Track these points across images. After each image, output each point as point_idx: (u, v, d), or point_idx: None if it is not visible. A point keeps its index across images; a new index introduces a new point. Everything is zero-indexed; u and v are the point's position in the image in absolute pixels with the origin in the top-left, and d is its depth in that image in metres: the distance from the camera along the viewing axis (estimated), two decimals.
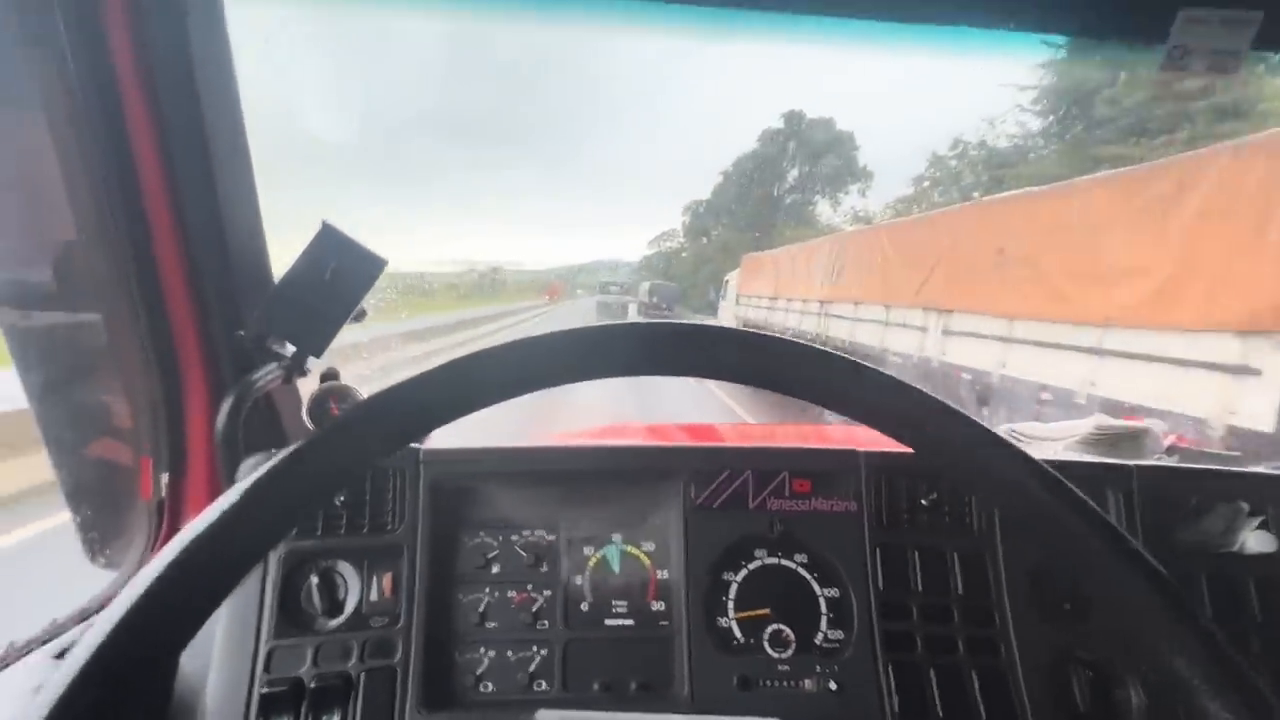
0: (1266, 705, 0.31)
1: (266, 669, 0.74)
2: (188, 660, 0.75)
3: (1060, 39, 0.96)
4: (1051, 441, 1.23)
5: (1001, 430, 1.30)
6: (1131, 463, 0.89)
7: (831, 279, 9.93)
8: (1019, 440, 1.23)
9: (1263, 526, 0.86)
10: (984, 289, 6.04)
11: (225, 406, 0.83)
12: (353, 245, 0.86)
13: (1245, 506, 0.87)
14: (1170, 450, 1.19)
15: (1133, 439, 1.18)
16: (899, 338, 7.66)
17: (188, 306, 0.85)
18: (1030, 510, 0.37)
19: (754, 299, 14.84)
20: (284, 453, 0.34)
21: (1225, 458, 1.19)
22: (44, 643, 0.72)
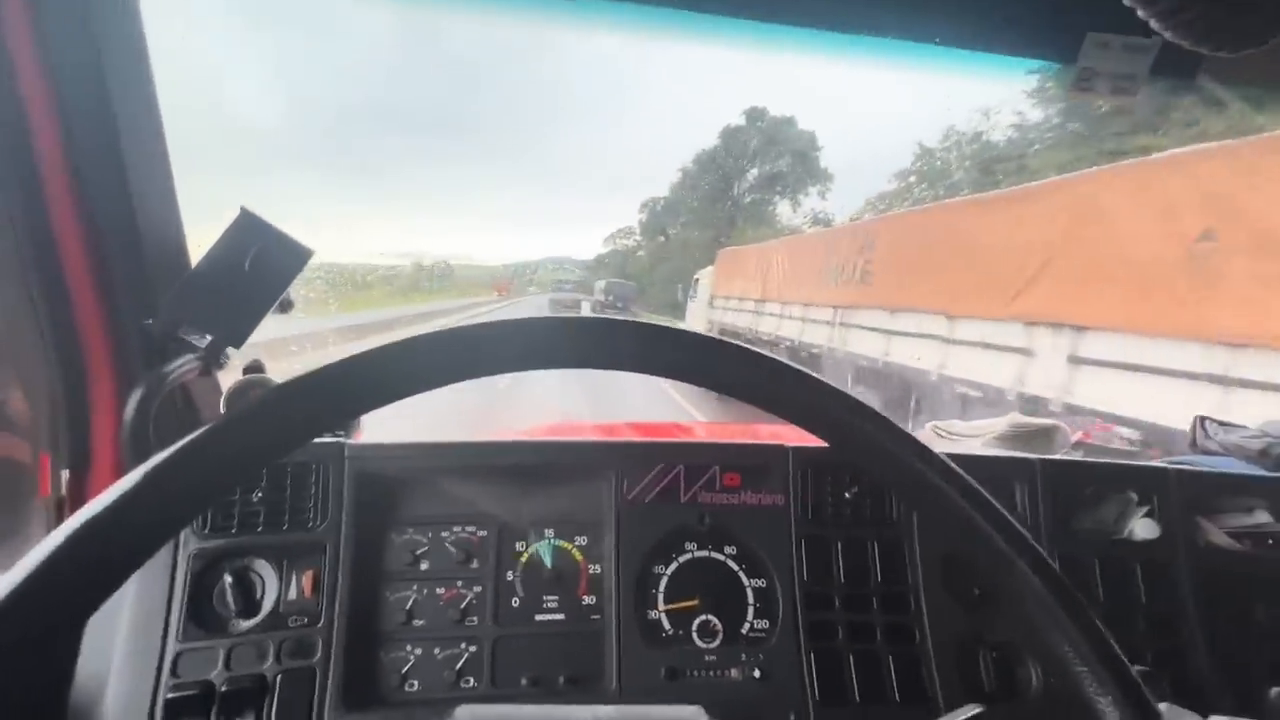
0: (1142, 700, 0.34)
1: (174, 673, 0.70)
2: (85, 666, 0.70)
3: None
4: (972, 438, 1.30)
5: (927, 428, 1.37)
6: (1036, 456, 0.94)
7: (853, 279, 7.65)
8: (941, 437, 1.29)
9: (1149, 515, 0.93)
10: (1164, 297, 3.74)
11: (133, 399, 0.79)
12: (275, 233, 0.83)
13: (1134, 496, 0.94)
14: (1077, 445, 1.28)
15: (1045, 435, 1.26)
16: (1006, 367, 5.07)
17: (93, 292, 0.80)
18: (934, 504, 0.38)
19: (732, 301, 12.80)
20: (192, 435, 0.32)
21: (1122, 452, 1.28)
22: None
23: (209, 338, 0.81)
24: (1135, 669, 0.35)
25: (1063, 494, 0.93)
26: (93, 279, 0.80)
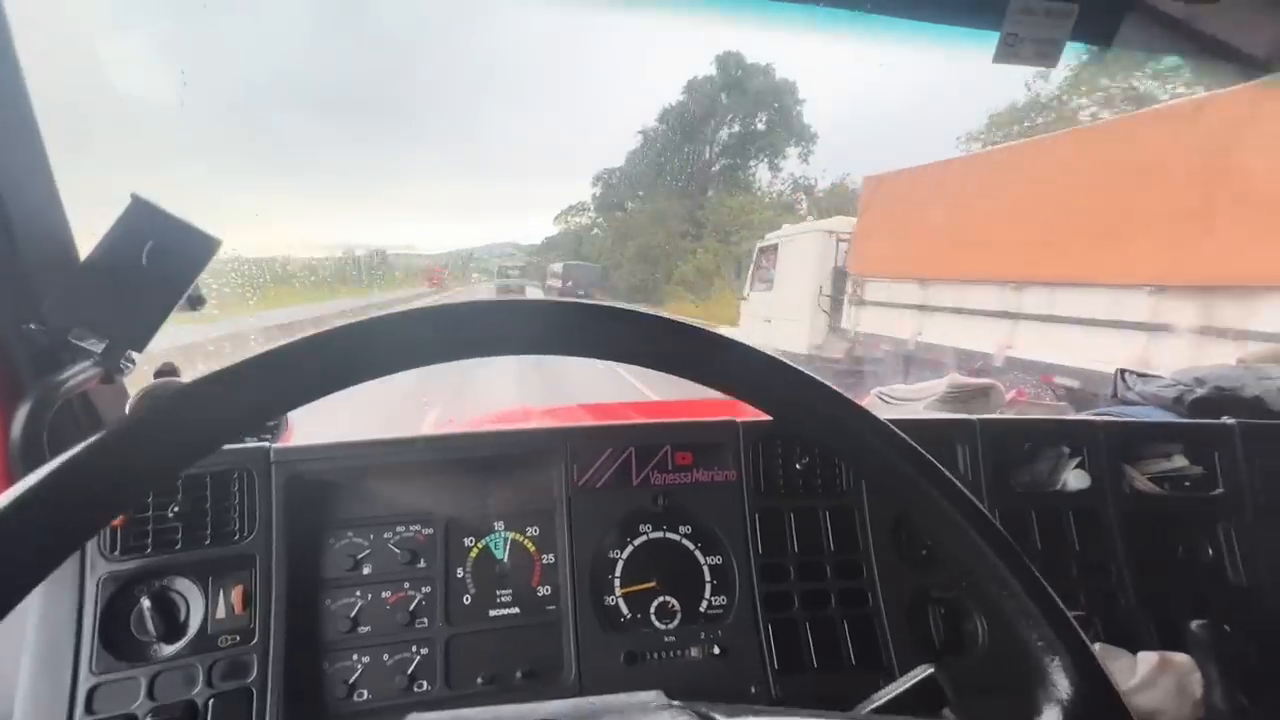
0: (1079, 644, 0.35)
1: (89, 709, 0.65)
2: None
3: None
4: (914, 401, 1.33)
5: (871, 394, 1.39)
6: (975, 417, 0.97)
7: None
8: (885, 402, 1.32)
9: (1080, 466, 0.98)
10: None
11: (21, 412, 0.71)
12: (175, 223, 0.76)
13: (1066, 450, 0.99)
14: (1011, 404, 1.34)
15: (982, 395, 1.30)
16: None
17: None
18: (880, 467, 0.38)
19: (900, 288, 6.26)
20: (87, 441, 0.28)
21: (1054, 408, 1.34)
22: None
23: (105, 342, 0.74)
24: (1071, 614, 0.36)
25: (1001, 451, 0.96)
26: None
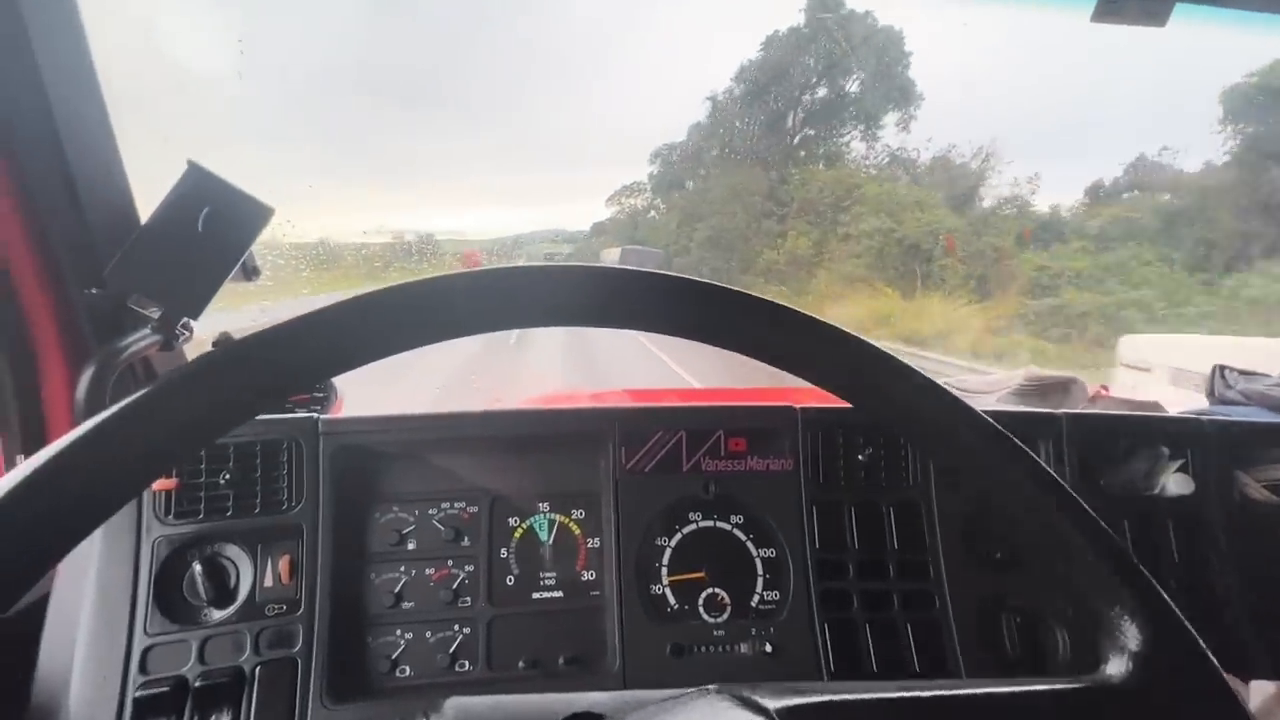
0: (1143, 578, 0.32)
1: (142, 669, 0.65)
2: (46, 663, 0.65)
3: None
4: (985, 394, 1.24)
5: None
6: (1060, 411, 0.89)
7: None
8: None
9: (1182, 470, 0.88)
10: None
11: (85, 376, 0.72)
12: (230, 190, 0.75)
13: (1166, 451, 0.89)
14: (1094, 399, 1.23)
15: (1061, 389, 1.20)
16: None
17: (31, 260, 0.73)
18: (967, 459, 0.36)
19: None
20: (147, 387, 0.28)
21: (1145, 404, 1.23)
22: None
23: (161, 309, 0.74)
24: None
25: (1090, 450, 0.88)
26: (30, 245, 0.73)
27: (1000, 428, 0.35)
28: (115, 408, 0.28)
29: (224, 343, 0.87)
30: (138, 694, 0.64)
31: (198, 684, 0.65)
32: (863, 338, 0.35)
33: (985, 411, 0.36)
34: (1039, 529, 0.35)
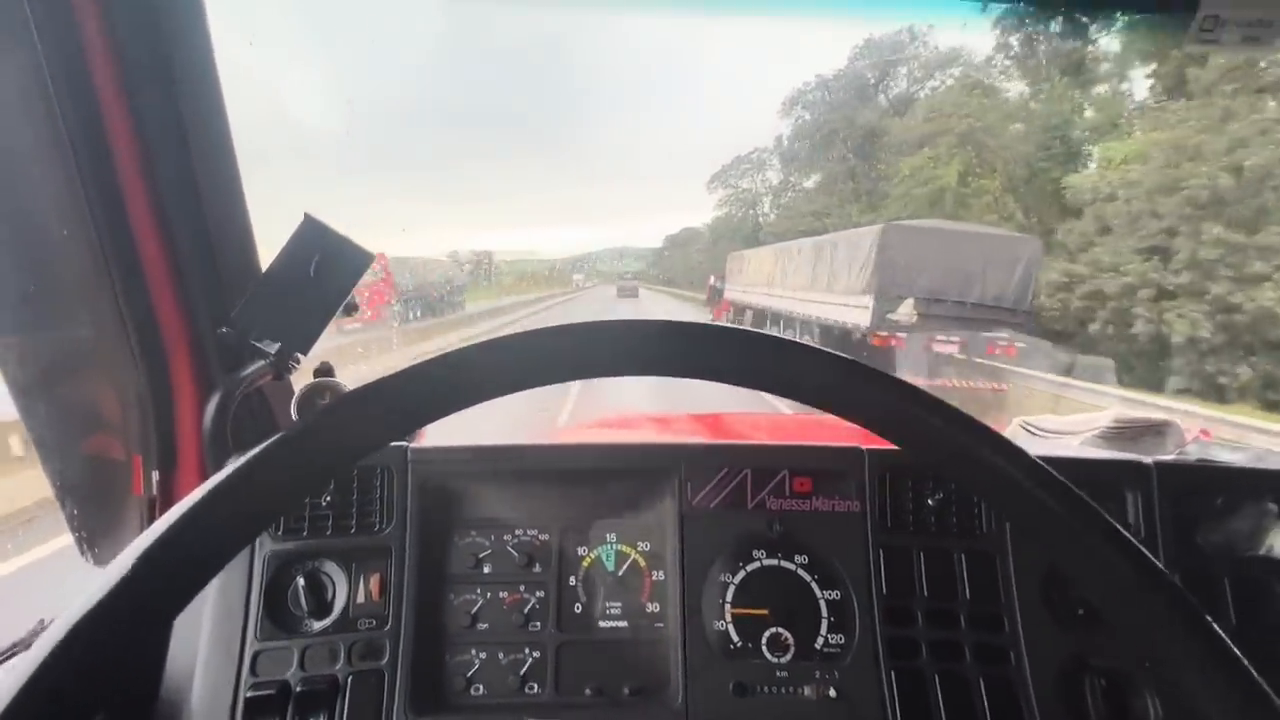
0: None
1: (253, 671, 0.73)
2: (174, 661, 0.74)
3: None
4: (1068, 436, 1.18)
5: (1015, 423, 1.26)
6: (1150, 460, 0.84)
7: None
8: (1032, 434, 1.19)
9: None
10: None
11: (212, 404, 0.82)
12: (337, 238, 0.84)
13: (1274, 508, 0.82)
14: (1194, 444, 1.14)
15: (1155, 433, 1.13)
16: None
17: (173, 302, 0.84)
18: (1030, 513, 0.35)
19: None
20: (268, 441, 0.33)
21: (1252, 454, 1.13)
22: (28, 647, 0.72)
23: (278, 344, 0.83)
24: None
25: (1184, 503, 0.82)
26: (172, 289, 0.83)
27: (1064, 481, 0.33)
28: (267, 444, 0.33)
29: (325, 371, 0.96)
30: (248, 694, 0.71)
31: (299, 689, 0.72)
32: (918, 387, 0.37)
33: (1061, 458, 0.34)
34: (1120, 603, 0.33)
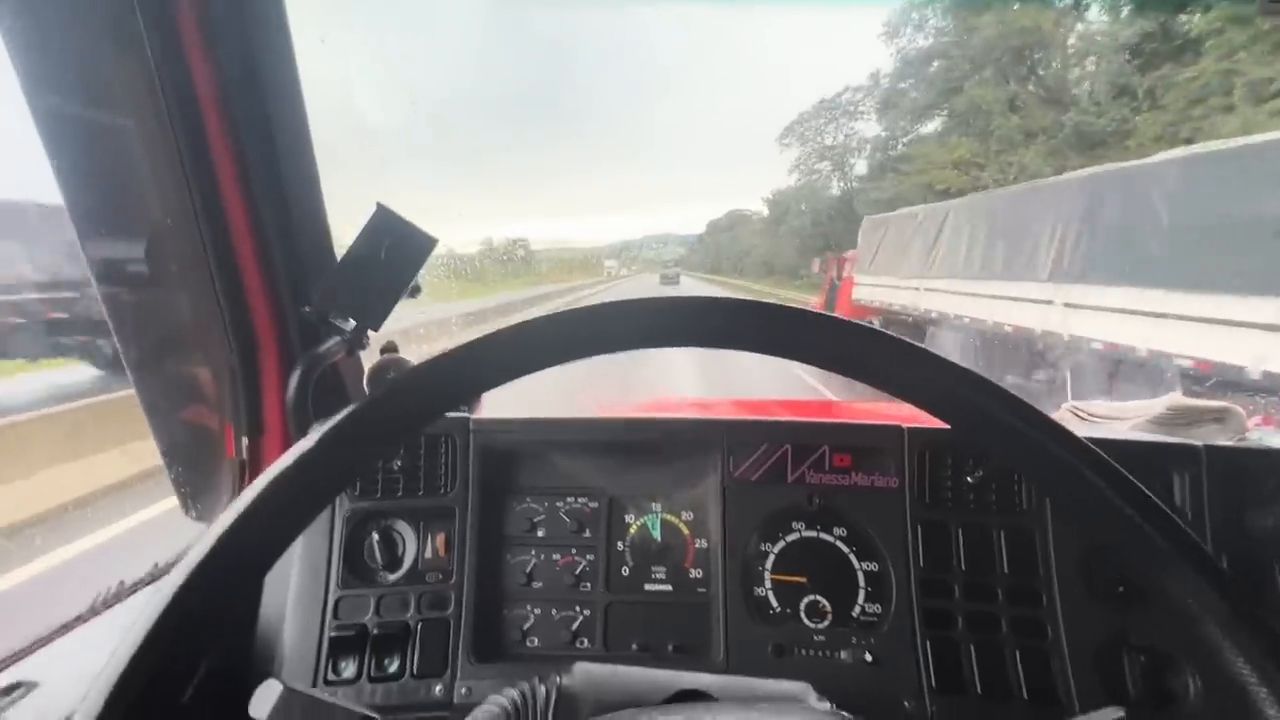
0: None
1: (335, 615, 0.81)
2: (268, 605, 0.83)
3: None
4: (1118, 420, 1.16)
5: (1063, 408, 1.24)
6: (1200, 443, 0.83)
7: None
8: (1081, 419, 1.17)
9: None
10: None
11: (294, 377, 0.90)
12: (405, 225, 0.90)
13: None
14: (1255, 431, 1.11)
15: (1214, 420, 1.10)
16: None
17: (260, 285, 0.92)
18: (1075, 492, 0.35)
19: None
20: (345, 411, 0.37)
21: None
22: (148, 583, 0.82)
23: (353, 322, 0.91)
24: None
25: (1234, 487, 0.81)
26: (260, 273, 0.92)
27: (1112, 462, 0.34)
28: (348, 411, 0.37)
29: (390, 349, 1.04)
30: (332, 634, 0.79)
31: (375, 632, 0.80)
32: (966, 365, 0.39)
33: (1109, 440, 0.34)
34: (1166, 581, 0.33)
